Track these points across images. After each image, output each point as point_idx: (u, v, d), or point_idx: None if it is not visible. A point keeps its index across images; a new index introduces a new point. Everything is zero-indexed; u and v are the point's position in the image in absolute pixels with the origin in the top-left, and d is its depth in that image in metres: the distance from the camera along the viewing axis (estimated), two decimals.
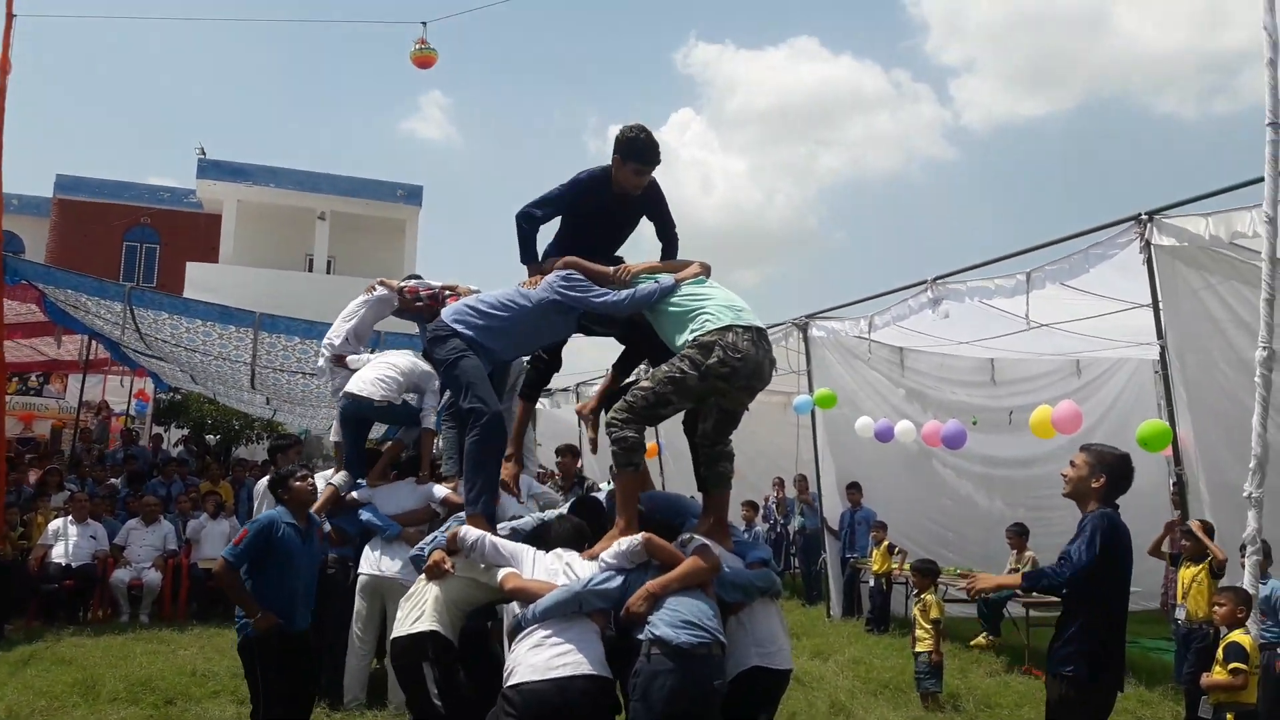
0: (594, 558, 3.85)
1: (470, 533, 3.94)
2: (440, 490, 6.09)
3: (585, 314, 4.66)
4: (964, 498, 11.76)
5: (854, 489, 11.12)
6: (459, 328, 4.42)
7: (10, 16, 9.52)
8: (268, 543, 5.11)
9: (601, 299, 4.43)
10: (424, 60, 9.26)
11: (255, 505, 7.30)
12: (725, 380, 3.99)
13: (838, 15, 54.15)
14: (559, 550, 3.93)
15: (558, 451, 8.24)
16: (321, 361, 7.42)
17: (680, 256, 4.97)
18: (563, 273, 4.52)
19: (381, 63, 62.40)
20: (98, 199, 28.31)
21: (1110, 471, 4.19)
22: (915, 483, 11.61)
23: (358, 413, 6.60)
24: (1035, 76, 51.12)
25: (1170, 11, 49.14)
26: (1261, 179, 5.10)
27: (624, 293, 4.41)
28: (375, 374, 6.63)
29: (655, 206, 4.99)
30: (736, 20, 57.52)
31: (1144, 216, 6.53)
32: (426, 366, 6.63)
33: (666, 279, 4.38)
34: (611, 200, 4.79)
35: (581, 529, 4.12)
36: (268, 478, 7.19)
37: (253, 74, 49.62)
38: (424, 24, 9.17)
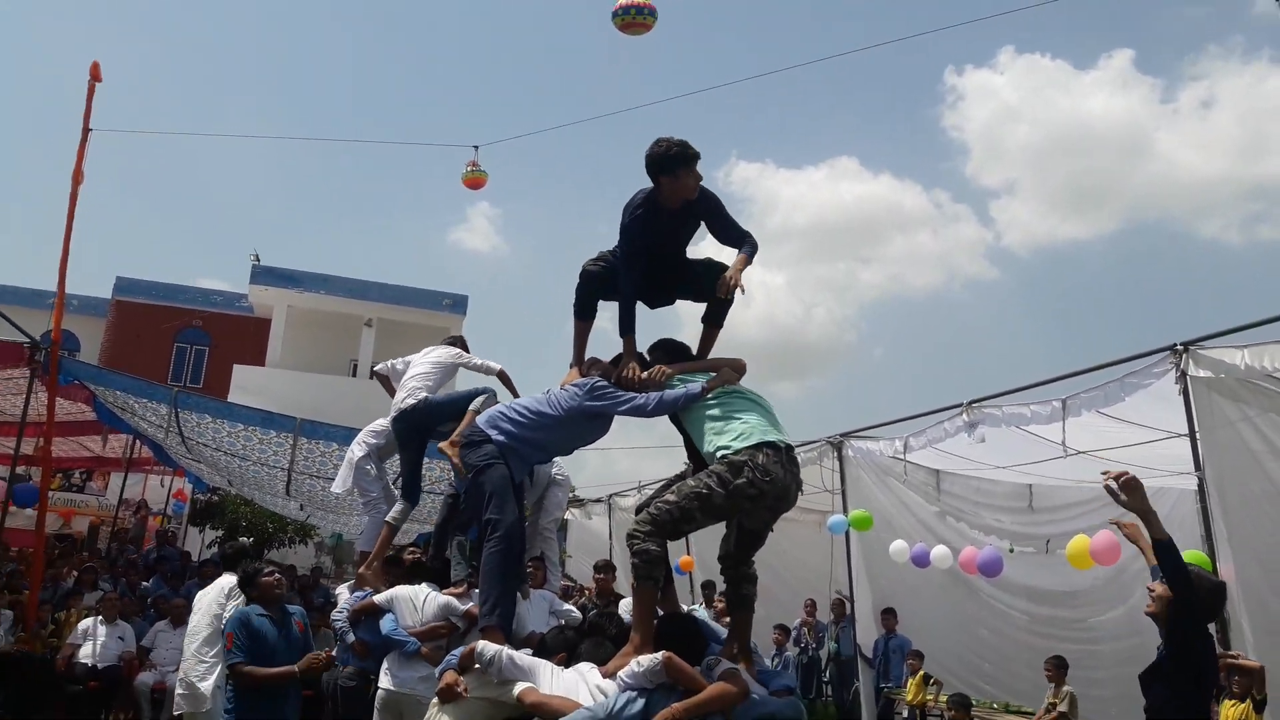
0: (611, 675, 3.78)
1: (487, 648, 3.89)
2: (460, 603, 6.05)
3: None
4: (1001, 628, 11.44)
5: (889, 614, 10.89)
6: (492, 433, 4.47)
7: (86, 131, 10.07)
8: (250, 635, 5.16)
9: (629, 404, 4.43)
10: (475, 182, 9.52)
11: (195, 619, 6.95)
12: (752, 501, 3.96)
13: (877, 138, 55.28)
14: (580, 666, 3.88)
15: (596, 568, 8.15)
16: (341, 479, 7.38)
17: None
18: (590, 381, 4.56)
19: (431, 174, 64.49)
20: (154, 301, 29.16)
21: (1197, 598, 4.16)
22: (952, 610, 11.34)
23: (409, 427, 6.60)
24: (1076, 200, 51.54)
25: (1211, 138, 49.57)
26: None
27: (653, 396, 4.40)
28: (411, 384, 6.70)
29: (713, 212, 4.67)
30: (777, 141, 58.91)
31: (1179, 347, 6.53)
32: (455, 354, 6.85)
33: (695, 386, 4.36)
34: (669, 219, 4.56)
35: (603, 646, 4.06)
36: (218, 582, 7.06)
37: (307, 184, 51.47)
38: (476, 147, 9.50)
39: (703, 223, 4.70)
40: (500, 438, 4.46)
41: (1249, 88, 47.34)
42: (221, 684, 6.44)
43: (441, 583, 6.13)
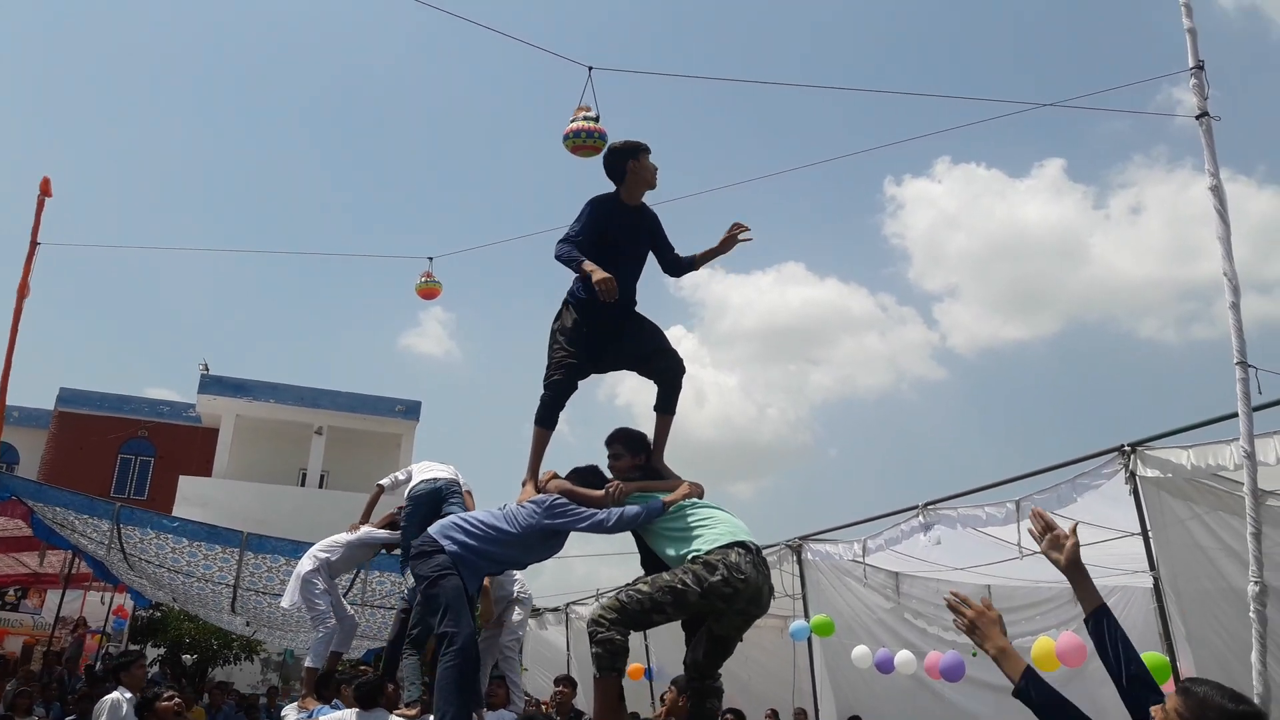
0: None
1: None
2: None
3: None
4: None
5: None
6: (445, 544, 4.39)
7: (34, 245, 10.01)
8: None
9: (589, 520, 4.38)
10: (429, 292, 9.51)
11: None
12: (725, 600, 3.88)
13: (822, 244, 56.72)
14: None
15: (556, 681, 7.98)
16: (289, 593, 7.21)
17: (673, 467, 4.81)
18: (549, 499, 4.50)
19: (383, 280, 64.62)
20: (98, 412, 28.61)
21: None
22: (917, 715, 11.17)
23: (433, 499, 6.63)
24: (1017, 302, 52.94)
25: (1143, 242, 51.48)
26: (1235, 414, 5.23)
27: (614, 513, 4.34)
28: (432, 468, 6.84)
29: (656, 225, 5.00)
30: None
31: (1127, 448, 6.65)
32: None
33: (656, 502, 4.33)
34: (629, 214, 4.85)
35: None
36: (115, 696, 6.80)
37: (257, 293, 51.27)
38: (430, 259, 9.50)
39: (652, 239, 5.00)
40: (454, 548, 4.37)
41: (1174, 194, 49.40)
42: None
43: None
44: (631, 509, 4.35)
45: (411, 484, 6.85)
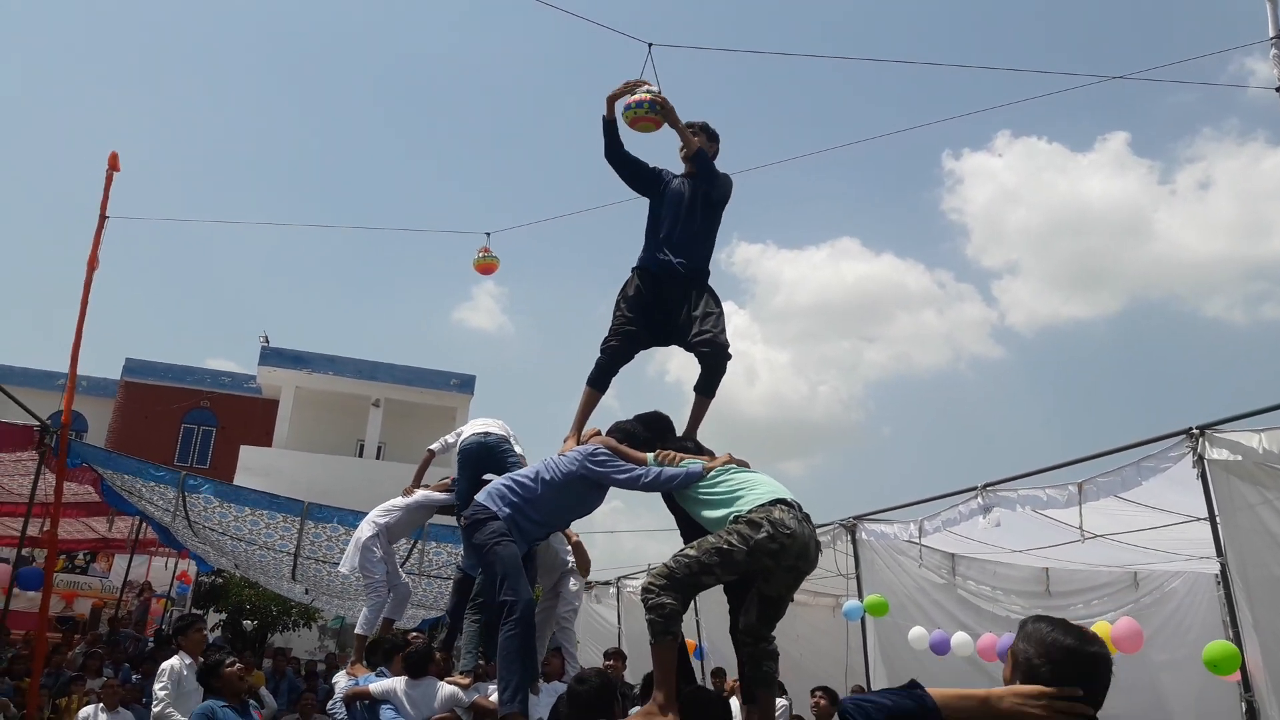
0: None
1: None
2: (466, 695, 5.90)
3: None
4: None
5: None
6: (496, 507, 4.43)
7: (103, 218, 10.22)
8: None
9: (627, 475, 4.40)
10: (487, 267, 9.42)
11: (161, 691, 7.00)
12: (773, 558, 3.85)
13: (878, 219, 55.80)
14: None
15: (605, 655, 8.04)
16: (348, 558, 7.30)
17: (721, 445, 4.85)
18: (591, 447, 4.53)
19: (437, 254, 65.21)
20: (162, 382, 29.31)
21: (1025, 671, 2.31)
22: None
23: (481, 454, 6.66)
24: (1078, 280, 51.77)
25: (1210, 219, 49.96)
26: None
27: (652, 470, 4.36)
28: (483, 424, 6.89)
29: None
30: (777, 223, 59.50)
31: (1195, 430, 6.48)
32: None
33: (697, 466, 4.33)
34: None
35: (604, 689, 3.96)
36: (174, 663, 7.11)
37: (315, 266, 52.02)
38: (488, 234, 9.42)
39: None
40: (507, 511, 4.41)
41: (1245, 169, 47.88)
42: None
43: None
44: (670, 470, 4.34)
45: (461, 439, 6.89)
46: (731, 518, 3.97)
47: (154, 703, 7.17)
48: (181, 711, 6.94)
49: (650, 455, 4.48)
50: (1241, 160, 48.13)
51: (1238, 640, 6.38)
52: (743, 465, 4.41)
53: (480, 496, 4.61)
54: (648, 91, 5.07)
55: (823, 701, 7.27)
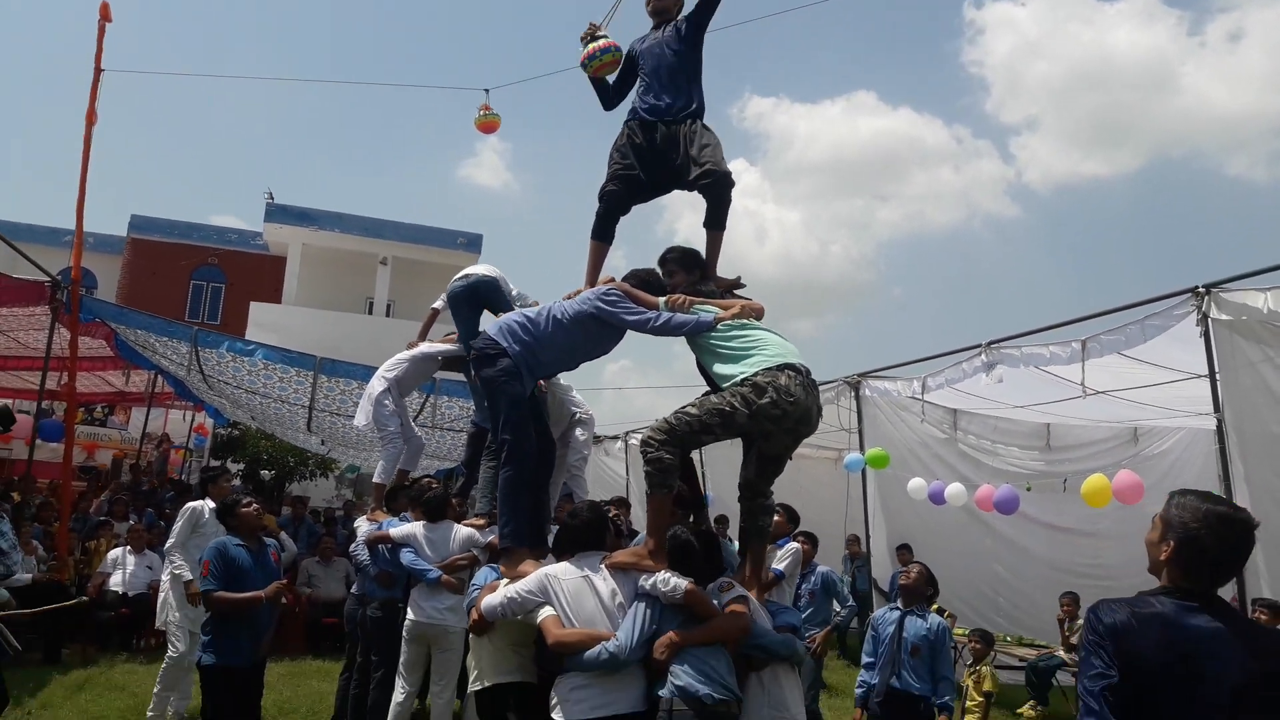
0: (617, 566, 3.84)
1: (492, 602, 3.89)
2: (481, 537, 6.14)
3: None
4: (1017, 564, 11.58)
5: (904, 550, 11.00)
6: (506, 343, 4.44)
7: (98, 71, 10.01)
8: (225, 564, 5.29)
9: (637, 316, 4.42)
10: (488, 125, 9.22)
11: (178, 526, 7.41)
12: (774, 422, 3.95)
13: (895, 71, 54.33)
14: (585, 564, 3.88)
15: (608, 503, 8.27)
16: (362, 410, 7.45)
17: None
18: (604, 288, 4.56)
19: (441, 110, 63.85)
20: (169, 239, 29.22)
21: (1183, 536, 2.47)
22: (967, 547, 11.45)
23: (470, 295, 6.74)
24: (1099, 136, 50.77)
25: (1240, 72, 48.51)
26: None
27: (664, 314, 4.38)
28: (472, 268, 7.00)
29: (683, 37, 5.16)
30: (791, 75, 57.94)
31: (1201, 289, 6.48)
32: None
33: (709, 315, 4.35)
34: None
35: (596, 522, 4.08)
36: (197, 504, 7.43)
37: (318, 122, 51.10)
38: (486, 90, 9.26)
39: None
40: (516, 348, 4.43)
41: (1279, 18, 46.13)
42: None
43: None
44: (681, 316, 4.36)
45: (449, 287, 6.94)
46: (739, 378, 4.02)
47: (169, 539, 7.53)
48: (197, 551, 7.31)
49: (662, 300, 4.49)
50: (1277, 11, 46.38)
51: (1228, 492, 6.54)
52: (757, 314, 4.42)
53: (491, 330, 4.61)
54: (602, 37, 5.16)
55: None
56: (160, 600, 7.66)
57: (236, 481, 17.96)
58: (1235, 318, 6.36)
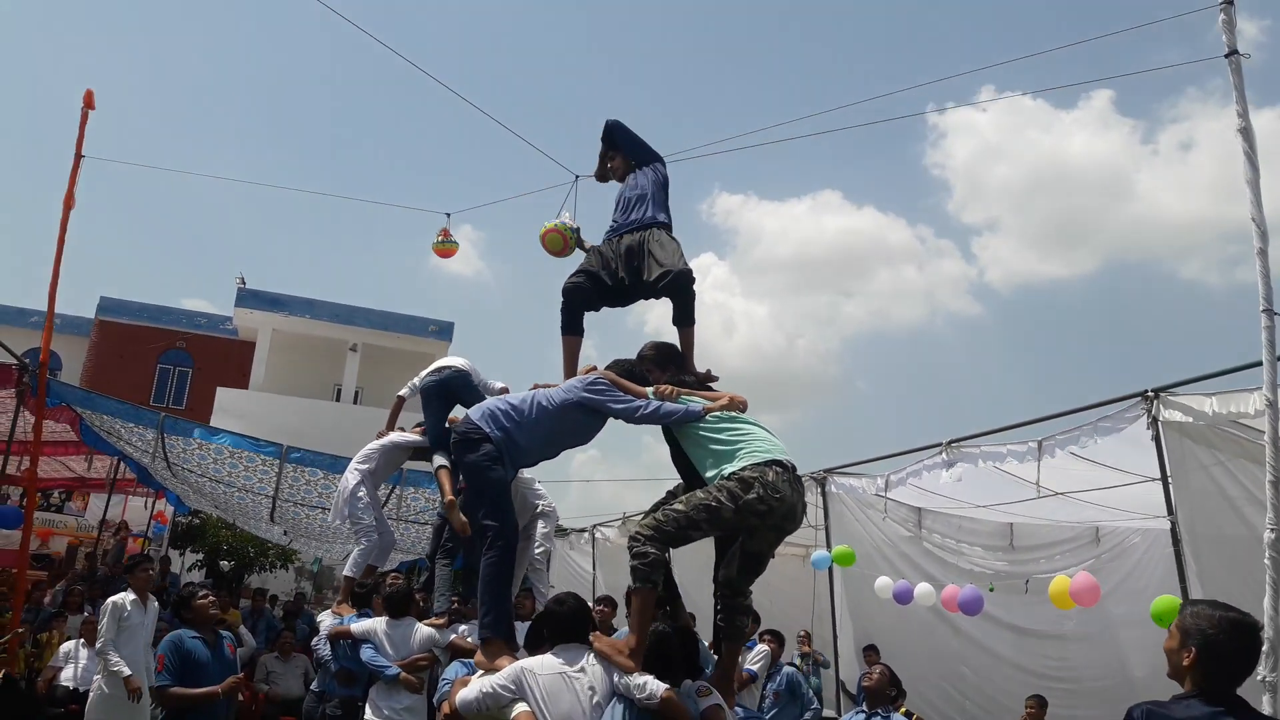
0: (603, 655, 3.80)
1: (467, 696, 3.81)
2: (441, 635, 6.07)
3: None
4: (983, 665, 11.53)
5: (871, 651, 10.94)
6: (489, 428, 4.36)
7: (79, 157, 10.14)
8: (180, 658, 5.24)
9: (624, 405, 4.38)
10: (445, 252, 9.20)
11: (103, 624, 7.26)
12: (760, 518, 3.96)
13: (860, 173, 55.80)
14: (563, 660, 3.82)
15: (596, 601, 8.15)
16: (337, 510, 7.39)
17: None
18: (591, 376, 4.54)
19: (412, 199, 64.53)
20: (138, 321, 29.13)
21: (1203, 642, 2.73)
22: (934, 648, 11.41)
23: (441, 390, 6.81)
24: (1057, 238, 52.12)
25: (1191, 180, 50.27)
26: (1259, 363, 5.25)
27: (652, 403, 4.36)
28: (443, 361, 7.14)
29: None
30: (759, 174, 59.38)
31: (1150, 393, 6.66)
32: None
33: (697, 406, 4.34)
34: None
35: (581, 611, 4.04)
36: (118, 598, 7.40)
37: (292, 209, 51.56)
38: (448, 215, 9.04)
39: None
40: (499, 433, 4.36)
41: (1228, 130, 47.95)
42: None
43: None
44: (670, 405, 4.35)
45: (420, 380, 7.01)
46: (726, 473, 4.05)
47: (97, 639, 7.43)
48: (126, 645, 7.24)
49: (649, 390, 4.48)
50: (1224, 122, 48.21)
51: (1185, 594, 6.62)
52: (741, 406, 4.43)
53: (474, 414, 4.55)
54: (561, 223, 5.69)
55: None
56: (90, 700, 7.40)
57: (194, 573, 17.62)
58: (1185, 421, 6.53)
